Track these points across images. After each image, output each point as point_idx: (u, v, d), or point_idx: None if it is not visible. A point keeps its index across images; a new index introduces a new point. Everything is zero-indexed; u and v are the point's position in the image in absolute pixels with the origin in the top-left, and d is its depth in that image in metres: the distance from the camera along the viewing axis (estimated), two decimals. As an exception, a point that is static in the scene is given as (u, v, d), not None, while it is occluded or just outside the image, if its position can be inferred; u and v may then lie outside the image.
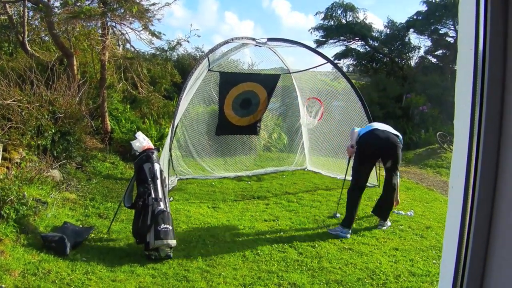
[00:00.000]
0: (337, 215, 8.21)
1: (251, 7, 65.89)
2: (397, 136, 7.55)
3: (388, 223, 7.76)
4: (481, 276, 1.59)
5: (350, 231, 7.28)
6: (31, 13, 14.51)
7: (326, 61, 10.94)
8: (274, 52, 11.85)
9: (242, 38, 10.15)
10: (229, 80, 11.46)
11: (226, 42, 9.84)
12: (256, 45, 10.54)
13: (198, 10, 59.36)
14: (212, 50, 9.91)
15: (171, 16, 54.47)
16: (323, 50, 22.43)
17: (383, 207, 7.74)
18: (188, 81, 9.16)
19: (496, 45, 1.48)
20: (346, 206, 7.56)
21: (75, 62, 12.24)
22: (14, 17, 13.96)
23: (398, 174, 7.85)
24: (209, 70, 10.41)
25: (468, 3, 1.59)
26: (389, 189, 7.68)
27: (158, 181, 6.53)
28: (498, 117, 1.49)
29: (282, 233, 7.30)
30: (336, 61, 19.89)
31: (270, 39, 10.47)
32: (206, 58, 9.89)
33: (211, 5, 63.38)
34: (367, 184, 10.52)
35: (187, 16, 51.83)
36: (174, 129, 9.41)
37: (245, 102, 11.80)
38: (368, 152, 7.47)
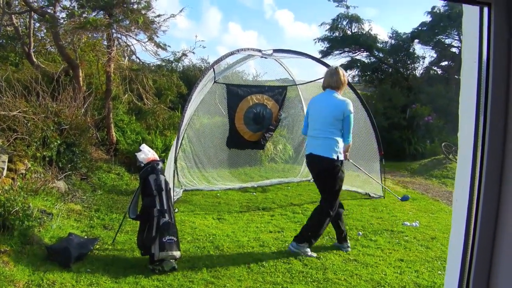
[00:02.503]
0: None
1: (254, 18, 66.04)
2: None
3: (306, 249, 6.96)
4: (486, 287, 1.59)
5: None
6: (37, 24, 14.58)
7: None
8: (280, 64, 11.84)
9: (248, 49, 10.10)
10: (236, 92, 11.39)
11: (232, 53, 9.80)
12: (262, 57, 10.54)
13: (202, 21, 59.39)
14: (217, 61, 9.89)
15: (175, 27, 54.57)
16: (328, 61, 22.26)
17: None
18: (193, 92, 9.16)
19: (500, 58, 1.49)
20: (319, 228, 6.85)
21: (80, 74, 12.27)
22: (20, 28, 14.02)
23: None
24: (214, 82, 10.38)
25: (472, 17, 1.59)
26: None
27: (163, 193, 6.52)
28: (502, 130, 1.49)
29: (287, 244, 7.26)
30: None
31: (276, 50, 10.46)
32: (212, 69, 9.88)
33: (215, 15, 63.44)
34: (372, 195, 10.56)
35: (190, 27, 51.85)
36: (180, 140, 9.41)
37: (258, 116, 11.67)
38: None
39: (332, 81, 6.89)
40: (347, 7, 22.08)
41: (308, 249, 6.82)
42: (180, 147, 9.98)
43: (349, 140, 6.83)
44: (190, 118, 10.40)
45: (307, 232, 6.85)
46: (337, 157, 6.63)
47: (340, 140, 6.71)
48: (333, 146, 6.63)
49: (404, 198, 7.46)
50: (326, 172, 6.76)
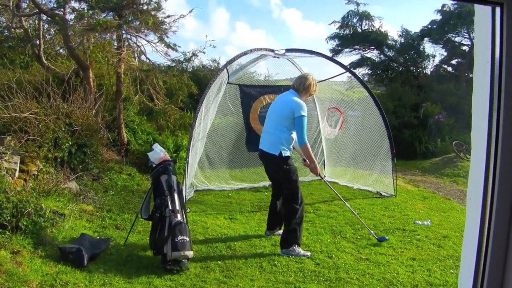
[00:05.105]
0: (371, 232, 7.92)
1: (262, 17, 66.09)
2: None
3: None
4: (500, 286, 1.59)
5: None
6: (46, 26, 14.59)
7: (345, 71, 10.93)
8: (293, 63, 11.81)
9: (261, 49, 10.08)
10: (249, 93, 11.41)
11: (244, 53, 9.77)
12: (274, 56, 10.53)
13: (209, 21, 59.40)
14: (230, 61, 9.86)
15: (183, 28, 54.77)
16: (339, 59, 22.37)
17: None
18: (206, 92, 9.16)
19: (512, 57, 1.49)
20: (296, 226, 6.86)
21: (91, 75, 12.29)
22: (29, 31, 14.04)
23: None
24: (228, 83, 10.38)
25: (484, 16, 1.59)
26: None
27: (175, 193, 6.55)
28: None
29: (298, 243, 7.27)
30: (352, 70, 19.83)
31: (288, 50, 10.42)
32: (225, 70, 9.86)
33: (222, 15, 63.44)
34: (384, 194, 10.50)
35: (198, 27, 51.85)
36: (192, 141, 9.39)
37: None
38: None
39: (297, 83, 7.00)
40: (357, 4, 22.09)
41: (299, 249, 6.82)
42: (192, 148, 9.92)
43: (304, 142, 6.74)
44: (211, 121, 10.40)
45: (287, 236, 6.89)
46: (280, 153, 6.70)
47: (287, 138, 6.80)
48: (278, 143, 6.75)
49: (382, 239, 7.38)
50: (273, 167, 7.03)
